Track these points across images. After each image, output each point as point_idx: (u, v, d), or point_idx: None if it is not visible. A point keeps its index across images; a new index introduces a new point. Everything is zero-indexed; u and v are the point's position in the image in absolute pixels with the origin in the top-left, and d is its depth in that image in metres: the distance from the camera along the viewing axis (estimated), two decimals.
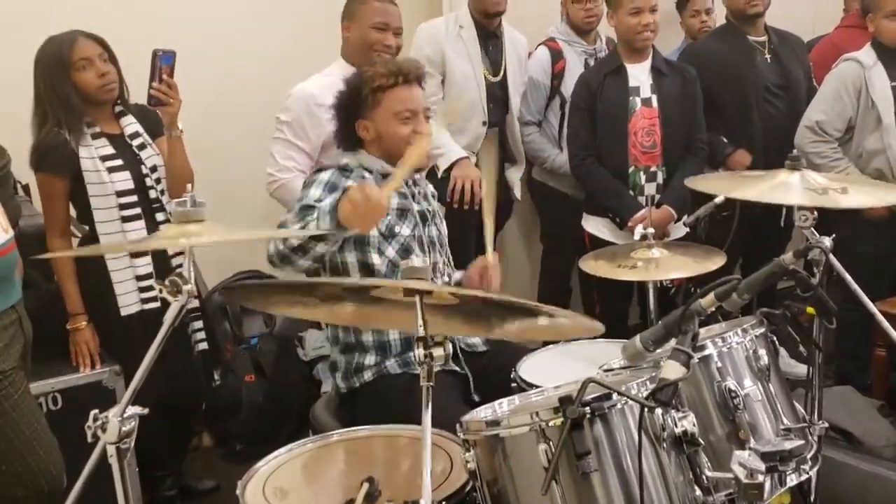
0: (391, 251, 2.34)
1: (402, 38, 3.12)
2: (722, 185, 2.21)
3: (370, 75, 2.36)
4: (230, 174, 3.69)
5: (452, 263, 2.59)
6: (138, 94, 2.84)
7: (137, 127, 2.83)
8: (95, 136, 2.73)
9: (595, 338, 2.78)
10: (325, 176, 2.33)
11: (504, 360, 2.41)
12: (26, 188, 3.13)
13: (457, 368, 2.39)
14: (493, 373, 2.39)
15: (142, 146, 2.82)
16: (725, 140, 3.67)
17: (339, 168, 2.36)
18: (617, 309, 3.69)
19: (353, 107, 2.39)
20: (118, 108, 2.83)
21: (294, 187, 3.02)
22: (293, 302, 1.78)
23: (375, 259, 2.33)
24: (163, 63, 2.72)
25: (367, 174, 2.35)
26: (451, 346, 1.51)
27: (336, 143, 2.48)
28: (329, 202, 2.05)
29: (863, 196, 1.95)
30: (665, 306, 2.79)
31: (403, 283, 1.48)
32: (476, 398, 2.36)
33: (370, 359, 2.35)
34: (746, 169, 3.58)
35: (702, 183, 2.21)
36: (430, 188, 2.59)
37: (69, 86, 2.67)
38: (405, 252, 2.35)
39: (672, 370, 1.43)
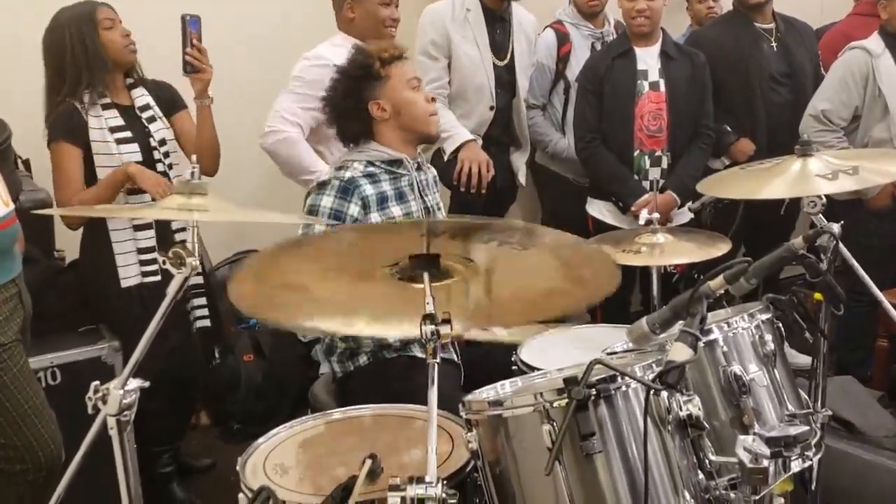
0: None
1: (404, 21, 3.11)
2: (733, 186, 2.18)
3: (375, 49, 2.34)
4: (234, 148, 3.66)
5: None
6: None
7: (148, 99, 2.84)
8: (106, 107, 2.73)
9: (597, 323, 2.78)
10: (327, 203, 2.24)
11: (500, 354, 2.37)
12: (27, 163, 3.11)
13: (453, 357, 2.36)
14: (488, 364, 2.36)
15: (151, 119, 2.82)
16: (729, 128, 3.65)
17: (341, 190, 2.25)
18: (619, 296, 3.67)
19: (363, 87, 2.32)
20: (129, 80, 2.83)
21: (294, 142, 2.99)
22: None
23: None
24: (191, 28, 2.69)
25: (368, 190, 2.26)
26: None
27: (344, 140, 2.42)
28: None
29: (874, 170, 1.92)
30: (668, 293, 2.77)
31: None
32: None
33: (367, 346, 2.33)
34: (750, 158, 3.56)
35: (714, 187, 2.19)
36: (434, 173, 2.56)
37: (98, 41, 2.67)
38: None
39: (679, 352, 1.42)
